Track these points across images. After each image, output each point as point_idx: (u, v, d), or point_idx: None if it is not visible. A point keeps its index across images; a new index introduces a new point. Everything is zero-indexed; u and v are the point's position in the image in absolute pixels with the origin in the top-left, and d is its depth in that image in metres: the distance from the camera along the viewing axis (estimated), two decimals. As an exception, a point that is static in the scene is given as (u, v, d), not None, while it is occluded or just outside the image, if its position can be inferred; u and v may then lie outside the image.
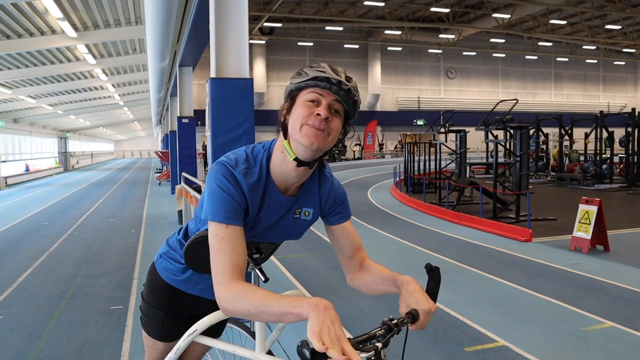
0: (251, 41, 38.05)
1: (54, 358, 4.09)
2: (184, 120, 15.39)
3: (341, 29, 38.67)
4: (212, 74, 5.37)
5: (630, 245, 8.33)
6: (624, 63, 53.02)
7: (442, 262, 7.38)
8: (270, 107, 41.35)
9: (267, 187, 1.57)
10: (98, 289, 6.14)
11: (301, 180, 1.60)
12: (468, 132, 14.77)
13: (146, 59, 14.70)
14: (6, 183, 23.32)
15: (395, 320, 1.39)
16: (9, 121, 24.58)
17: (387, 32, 39.55)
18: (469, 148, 15.45)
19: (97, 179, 26.95)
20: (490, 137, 13.10)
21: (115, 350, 4.25)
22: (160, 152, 28.25)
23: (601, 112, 19.67)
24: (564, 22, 35.75)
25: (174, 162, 17.57)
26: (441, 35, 39.27)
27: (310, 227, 1.78)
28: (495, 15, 33.13)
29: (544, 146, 25.13)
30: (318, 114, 1.44)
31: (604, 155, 20.11)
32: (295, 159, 1.48)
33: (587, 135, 21.23)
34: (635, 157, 18.12)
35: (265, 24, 35.83)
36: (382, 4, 31.28)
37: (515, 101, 12.31)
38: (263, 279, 1.84)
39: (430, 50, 45.36)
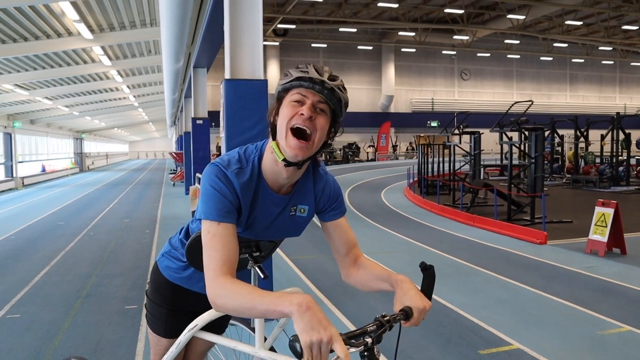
0: (265, 43, 38.16)
1: (67, 356, 4.12)
2: (198, 122, 15.47)
3: (355, 30, 38.66)
4: (227, 76, 5.39)
5: (647, 249, 8.22)
6: (641, 64, 52.36)
7: (456, 264, 7.34)
8: (283, 109, 41.32)
9: (259, 186, 1.61)
10: (113, 288, 6.20)
11: (293, 180, 1.64)
12: (482, 133, 14.68)
13: (161, 61, 14.80)
14: (23, 183, 23.63)
15: (388, 317, 1.40)
16: (26, 122, 24.91)
17: (401, 33, 39.44)
18: (483, 150, 15.35)
19: (112, 180, 27.20)
20: (505, 138, 13.00)
21: (129, 349, 4.28)
22: (175, 153, 28.41)
23: (618, 113, 19.43)
24: (579, 23, 35.38)
25: (188, 163, 17.68)
26: (455, 37, 39.08)
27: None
28: (509, 16, 32.89)
29: (559, 148, 24.88)
30: (302, 114, 1.47)
31: (620, 157, 19.85)
32: (284, 160, 1.52)
33: (603, 137, 20.97)
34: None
35: (279, 26, 35.92)
36: (395, 6, 31.21)
37: (530, 102, 12.21)
38: (262, 276, 1.86)
39: (444, 52, 45.15)
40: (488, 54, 45.72)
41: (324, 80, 1.48)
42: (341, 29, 37.34)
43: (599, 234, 7.80)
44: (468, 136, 14.96)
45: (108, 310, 5.35)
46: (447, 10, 32.81)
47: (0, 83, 16.21)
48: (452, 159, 15.46)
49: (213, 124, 17.23)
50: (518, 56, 47.05)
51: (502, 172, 22.32)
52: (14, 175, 23.26)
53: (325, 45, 41.96)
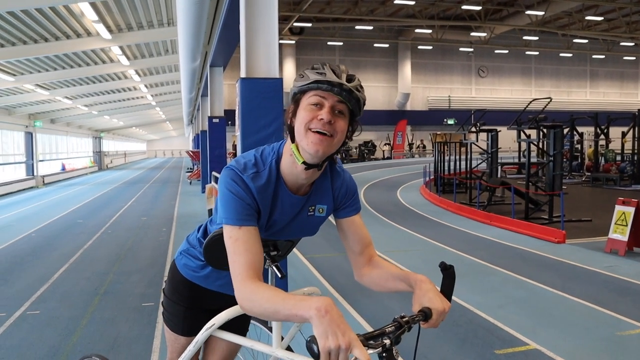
0: (281, 41, 38.23)
1: (87, 353, 4.18)
2: (214, 120, 15.55)
3: (371, 28, 38.50)
4: (242, 74, 5.42)
5: (669, 248, 8.06)
6: (663, 60, 51.35)
7: (472, 263, 7.29)
8: (299, 107, 41.38)
9: (277, 188, 1.61)
10: (130, 286, 6.27)
11: (311, 180, 1.64)
12: (500, 131, 14.53)
13: (178, 60, 14.91)
14: (43, 181, 24.00)
15: (407, 318, 1.38)
16: (46, 121, 25.30)
17: (417, 30, 39.20)
18: (500, 147, 15.19)
19: (129, 178, 27.50)
20: (523, 136, 12.86)
21: (146, 346, 4.33)
22: (191, 151, 28.63)
23: (639, 110, 19.08)
24: (600, 19, 34.78)
25: (205, 162, 17.79)
26: (472, 34, 38.72)
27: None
28: (528, 12, 32.47)
29: (579, 146, 24.51)
30: (321, 118, 1.46)
31: (641, 155, 19.49)
32: (304, 163, 1.52)
33: (624, 134, 20.62)
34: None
35: (295, 24, 35.95)
36: (412, 3, 30.99)
37: (548, 99, 12.05)
38: (280, 275, 1.86)
39: (461, 49, 44.74)
40: (506, 51, 45.20)
41: (342, 83, 1.47)
42: (357, 27, 37.21)
43: (619, 233, 7.68)
44: (485, 134, 14.82)
45: (125, 307, 5.42)
46: (464, 7, 32.52)
47: (21, 83, 16.48)
48: (469, 156, 15.33)
49: (229, 122, 17.31)
50: (537, 53, 46.44)
51: (520, 170, 22.08)
52: (35, 173, 23.64)
53: (341, 44, 41.88)
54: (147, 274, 6.86)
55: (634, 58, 49.24)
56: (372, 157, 39.54)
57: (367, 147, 39.54)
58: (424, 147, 44.31)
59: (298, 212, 1.68)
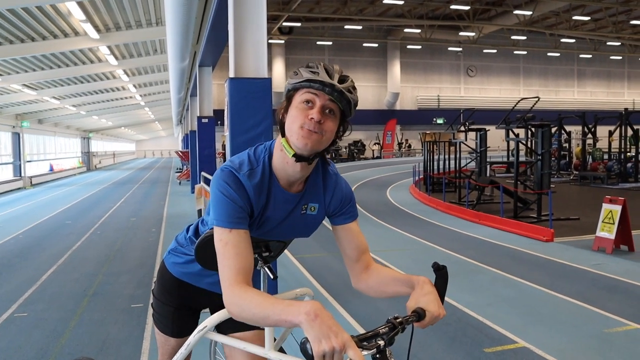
0: (270, 41, 38.18)
1: (76, 355, 4.15)
2: (203, 120, 15.49)
3: (360, 27, 38.54)
4: (231, 74, 5.40)
5: (655, 246, 8.16)
6: (649, 59, 51.89)
7: (461, 262, 7.32)
8: (289, 107, 41.33)
9: (271, 185, 1.61)
10: (119, 287, 6.23)
11: (303, 176, 1.63)
12: (488, 130, 14.61)
13: (166, 60, 14.84)
14: (31, 182, 23.78)
15: (400, 319, 1.38)
16: (33, 122, 25.05)
17: (406, 30, 39.29)
18: (489, 147, 15.28)
19: (118, 179, 27.32)
20: (511, 135, 12.94)
21: (135, 347, 4.30)
22: (181, 151, 28.48)
23: (626, 109, 19.30)
24: (587, 18, 35.09)
25: (194, 162, 17.72)
26: (461, 33, 38.90)
27: (328, 227, 1.78)
28: (516, 12, 32.69)
29: (567, 144, 24.73)
30: (312, 118, 1.47)
31: (628, 154, 19.71)
32: (294, 155, 1.52)
33: (611, 133, 20.83)
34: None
35: (284, 24, 35.89)
36: (401, 2, 31.06)
37: (536, 99, 12.15)
38: (272, 276, 1.85)
39: (450, 48, 44.93)
40: (494, 50, 45.46)
41: (334, 84, 1.47)
42: (346, 27, 37.22)
43: (607, 231, 7.76)
44: (474, 133, 14.90)
45: (114, 308, 5.38)
46: (453, 7, 32.64)
47: (8, 83, 16.32)
48: (458, 156, 15.40)
49: (219, 122, 17.24)
50: (525, 52, 46.75)
51: (509, 169, 22.25)
52: (22, 174, 23.41)
53: (330, 43, 41.88)
54: (136, 274, 6.82)
55: (620, 57, 49.76)
56: (361, 156, 39.61)
57: (357, 146, 39.59)
58: (409, 146, 44.26)
59: (291, 211, 1.67)
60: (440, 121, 43.65)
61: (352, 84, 1.53)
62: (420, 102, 46.85)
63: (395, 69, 44.58)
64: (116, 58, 15.85)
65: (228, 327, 1.87)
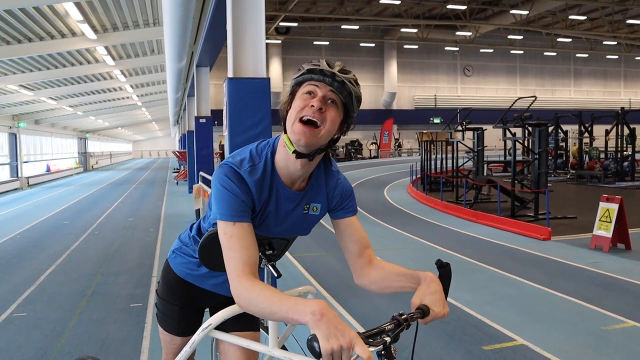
0: (267, 41, 38.12)
1: (75, 354, 4.16)
2: (201, 120, 15.49)
3: (357, 27, 38.56)
4: (230, 74, 5.41)
5: (652, 244, 8.20)
6: (645, 58, 52.05)
7: (459, 260, 7.35)
8: (286, 107, 41.33)
9: (273, 181, 1.61)
10: (118, 286, 6.23)
11: (305, 174, 1.63)
12: (485, 130, 14.65)
13: (164, 60, 14.83)
14: (28, 183, 23.73)
15: (405, 316, 1.40)
16: (30, 122, 25.00)
17: (403, 30, 39.34)
18: (486, 146, 15.32)
19: (116, 179, 27.28)
20: (508, 134, 12.98)
21: (135, 347, 4.31)
22: (178, 151, 28.48)
23: (622, 108, 19.37)
24: (583, 18, 35.21)
25: (192, 162, 17.71)
26: (458, 33, 38.98)
27: (326, 226, 1.79)
28: (513, 11, 32.75)
29: (563, 143, 24.80)
30: (312, 105, 1.48)
31: (625, 153, 19.78)
32: (295, 152, 1.52)
33: (607, 132, 20.90)
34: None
35: (281, 24, 35.89)
36: (397, 2, 31.09)
37: (533, 98, 12.18)
38: (276, 275, 1.86)
39: (447, 48, 45.00)
40: (491, 50, 45.55)
41: (335, 73, 1.49)
42: (343, 27, 37.24)
43: (604, 230, 7.79)
44: (471, 132, 14.94)
45: (113, 308, 5.39)
46: (449, 6, 32.70)
47: (5, 84, 16.28)
48: (455, 155, 15.44)
49: (216, 122, 17.25)
50: (521, 52, 46.84)
51: (506, 168, 22.30)
52: (19, 175, 23.36)
53: (327, 43, 41.89)
54: (134, 274, 6.82)
55: (616, 57, 49.90)
56: (358, 156, 39.62)
57: (354, 146, 39.61)
58: (399, 145, 43.98)
59: (293, 209, 1.68)
60: (437, 121, 43.70)
61: (354, 77, 1.54)
62: (417, 101, 46.89)
63: (392, 68, 44.62)
64: (113, 59, 15.84)
65: (229, 326, 1.88)
